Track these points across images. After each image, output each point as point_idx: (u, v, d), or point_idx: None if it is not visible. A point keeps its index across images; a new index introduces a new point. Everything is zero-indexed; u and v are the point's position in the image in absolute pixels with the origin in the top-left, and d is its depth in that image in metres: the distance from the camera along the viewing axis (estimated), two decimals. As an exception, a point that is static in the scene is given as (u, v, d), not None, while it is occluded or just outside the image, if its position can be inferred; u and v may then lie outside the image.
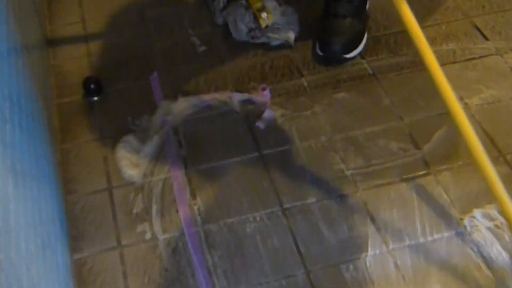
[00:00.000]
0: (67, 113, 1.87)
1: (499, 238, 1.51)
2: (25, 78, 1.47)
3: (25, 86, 1.44)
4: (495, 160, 1.65)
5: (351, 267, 1.48)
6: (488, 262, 1.47)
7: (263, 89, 1.87)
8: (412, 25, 1.45)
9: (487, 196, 1.58)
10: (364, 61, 1.95)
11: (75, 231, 1.59)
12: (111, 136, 1.79)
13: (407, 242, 1.52)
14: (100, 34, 2.10)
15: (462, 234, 1.52)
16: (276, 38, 2.00)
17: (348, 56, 1.93)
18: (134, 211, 1.62)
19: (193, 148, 1.75)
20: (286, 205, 1.61)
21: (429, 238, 1.52)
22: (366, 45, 1.97)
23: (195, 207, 1.62)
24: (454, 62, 1.92)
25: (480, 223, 1.54)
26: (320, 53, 1.94)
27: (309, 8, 2.11)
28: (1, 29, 1.33)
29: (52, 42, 2.08)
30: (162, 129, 1.79)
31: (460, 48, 1.96)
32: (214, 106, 1.85)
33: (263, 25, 2.00)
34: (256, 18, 2.01)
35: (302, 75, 1.92)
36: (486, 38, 1.97)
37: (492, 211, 1.55)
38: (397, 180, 1.64)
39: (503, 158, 1.66)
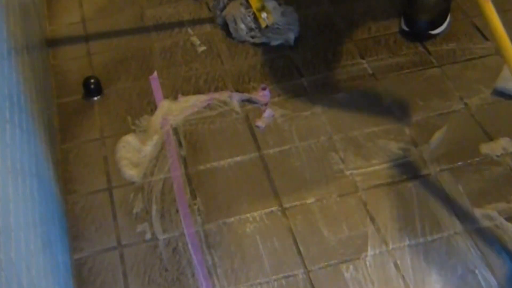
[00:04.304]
0: (67, 113, 1.87)
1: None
2: (25, 78, 1.47)
3: (25, 86, 1.45)
4: (494, 161, 1.66)
5: (351, 267, 1.48)
6: (487, 261, 1.47)
7: (263, 89, 1.87)
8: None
9: (487, 196, 1.59)
10: (364, 61, 1.95)
11: (75, 231, 1.59)
12: (111, 136, 1.79)
13: (407, 242, 1.52)
14: (100, 34, 2.10)
15: (461, 234, 1.52)
16: (276, 38, 2.01)
17: (433, 32, 1.97)
18: (134, 211, 1.62)
19: (193, 148, 1.75)
20: (286, 205, 1.61)
21: (429, 238, 1.52)
22: (450, 22, 2.01)
23: (195, 207, 1.62)
24: (454, 62, 1.92)
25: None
26: (406, 28, 1.99)
27: (309, 8, 2.12)
28: (1, 29, 1.33)
29: (52, 42, 2.08)
30: (162, 129, 1.79)
31: (460, 48, 1.96)
32: (214, 106, 1.85)
33: (263, 25, 2.00)
34: (256, 18, 2.01)
35: (302, 75, 1.92)
36: (486, 38, 1.97)
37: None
38: (397, 180, 1.64)
39: (503, 159, 1.66)
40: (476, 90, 1.83)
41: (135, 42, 2.07)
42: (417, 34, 1.98)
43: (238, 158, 1.72)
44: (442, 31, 1.99)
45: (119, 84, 1.94)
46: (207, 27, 2.10)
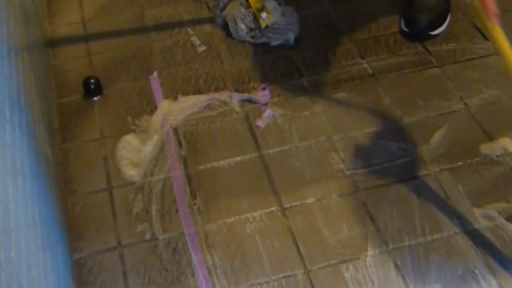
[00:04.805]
0: (67, 113, 1.87)
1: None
2: (25, 78, 1.47)
3: (25, 86, 1.45)
4: (494, 161, 1.66)
5: (351, 267, 1.48)
6: (487, 261, 1.47)
7: (263, 89, 1.87)
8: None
9: (487, 196, 1.59)
10: (364, 61, 1.95)
11: (75, 231, 1.59)
12: (111, 136, 1.79)
13: (407, 242, 1.52)
14: (100, 34, 2.10)
15: (461, 234, 1.52)
16: (276, 38, 2.01)
17: (433, 33, 1.97)
18: (134, 211, 1.62)
19: (193, 148, 1.75)
20: (286, 205, 1.61)
21: (429, 238, 1.52)
22: (450, 23, 2.01)
23: (195, 207, 1.62)
24: (454, 62, 1.92)
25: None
26: (406, 29, 1.99)
27: (309, 8, 2.12)
28: (1, 29, 1.33)
29: (52, 42, 2.08)
30: (162, 129, 1.79)
31: (460, 48, 1.96)
32: (214, 106, 1.85)
33: (263, 25, 2.00)
34: (256, 18, 2.01)
35: (302, 75, 1.92)
36: (486, 38, 1.97)
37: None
38: (397, 180, 1.64)
39: (503, 159, 1.66)
40: (476, 90, 1.83)
41: (135, 42, 2.07)
42: (417, 34, 1.98)
43: (238, 158, 1.72)
44: (442, 32, 1.99)
45: (119, 84, 1.94)
46: (207, 27, 2.10)
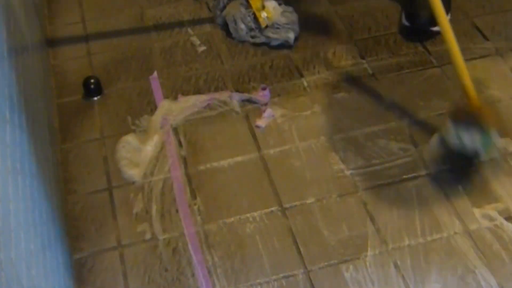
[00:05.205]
0: (67, 113, 1.87)
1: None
2: (25, 78, 1.47)
3: (25, 86, 1.44)
4: (495, 160, 1.66)
5: (351, 267, 1.48)
6: (487, 261, 1.47)
7: (263, 89, 1.87)
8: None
9: (487, 196, 1.59)
10: (364, 61, 1.95)
11: (75, 231, 1.59)
12: (111, 136, 1.79)
13: (407, 242, 1.52)
14: (100, 34, 2.10)
15: (461, 234, 1.52)
16: (276, 38, 2.00)
17: (434, 29, 1.96)
18: (134, 211, 1.62)
19: (193, 148, 1.75)
20: (286, 205, 1.61)
21: (429, 238, 1.52)
22: (450, 21, 2.00)
23: (195, 207, 1.62)
24: (454, 62, 1.92)
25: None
26: (406, 23, 1.99)
27: (309, 8, 2.12)
28: (1, 29, 1.33)
29: (52, 42, 2.08)
30: (162, 129, 1.79)
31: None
32: (214, 106, 1.85)
33: (263, 25, 2.01)
34: (256, 18, 2.01)
35: (302, 75, 1.92)
36: (486, 38, 1.97)
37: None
38: (397, 180, 1.64)
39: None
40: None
41: (135, 42, 2.07)
42: (418, 29, 1.97)
43: (238, 158, 1.72)
44: None
45: (119, 84, 1.94)
46: (207, 27, 2.10)
